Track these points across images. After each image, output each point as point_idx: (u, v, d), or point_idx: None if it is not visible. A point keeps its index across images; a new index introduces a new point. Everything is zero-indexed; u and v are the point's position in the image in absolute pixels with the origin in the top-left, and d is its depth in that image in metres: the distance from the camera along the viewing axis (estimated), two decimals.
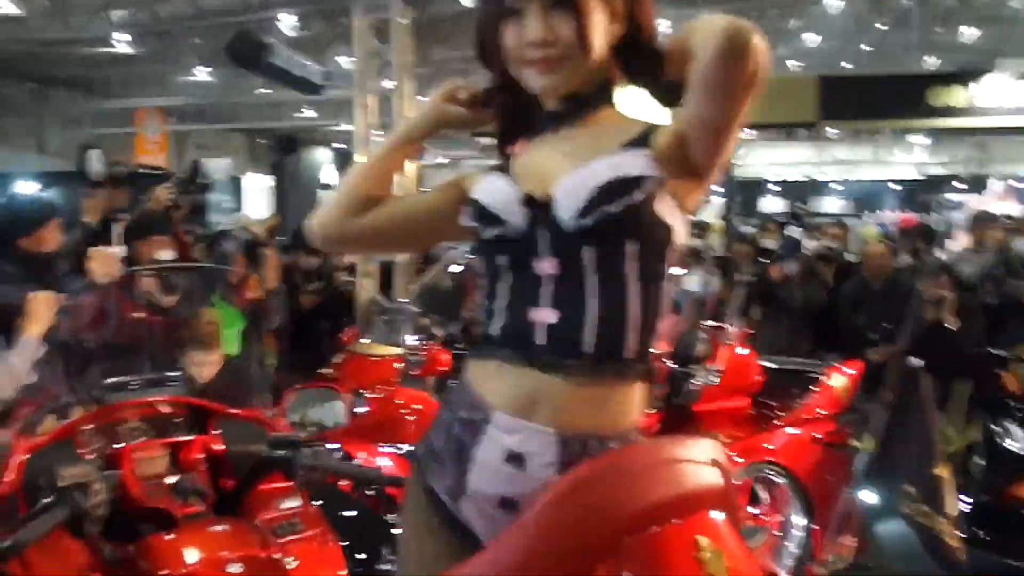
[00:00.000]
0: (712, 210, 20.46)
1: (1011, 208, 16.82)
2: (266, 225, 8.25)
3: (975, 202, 16.52)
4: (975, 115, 12.71)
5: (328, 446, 3.24)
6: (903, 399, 4.10)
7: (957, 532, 3.86)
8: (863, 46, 24.80)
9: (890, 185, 34.45)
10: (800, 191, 32.86)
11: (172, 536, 2.49)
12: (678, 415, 5.59)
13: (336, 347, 7.06)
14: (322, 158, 30.99)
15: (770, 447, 5.63)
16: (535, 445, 1.87)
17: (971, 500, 5.20)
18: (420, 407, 5.49)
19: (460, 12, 20.13)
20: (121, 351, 3.92)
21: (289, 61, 13.12)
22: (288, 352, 5.93)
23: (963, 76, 13.58)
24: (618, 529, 1.77)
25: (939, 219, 22.08)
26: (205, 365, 4.07)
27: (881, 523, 4.17)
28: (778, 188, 31.94)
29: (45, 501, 2.34)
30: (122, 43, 21.58)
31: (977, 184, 27.03)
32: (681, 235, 1.93)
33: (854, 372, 6.11)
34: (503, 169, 2.04)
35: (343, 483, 3.90)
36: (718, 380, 5.80)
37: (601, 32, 1.92)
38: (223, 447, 2.85)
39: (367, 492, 4.00)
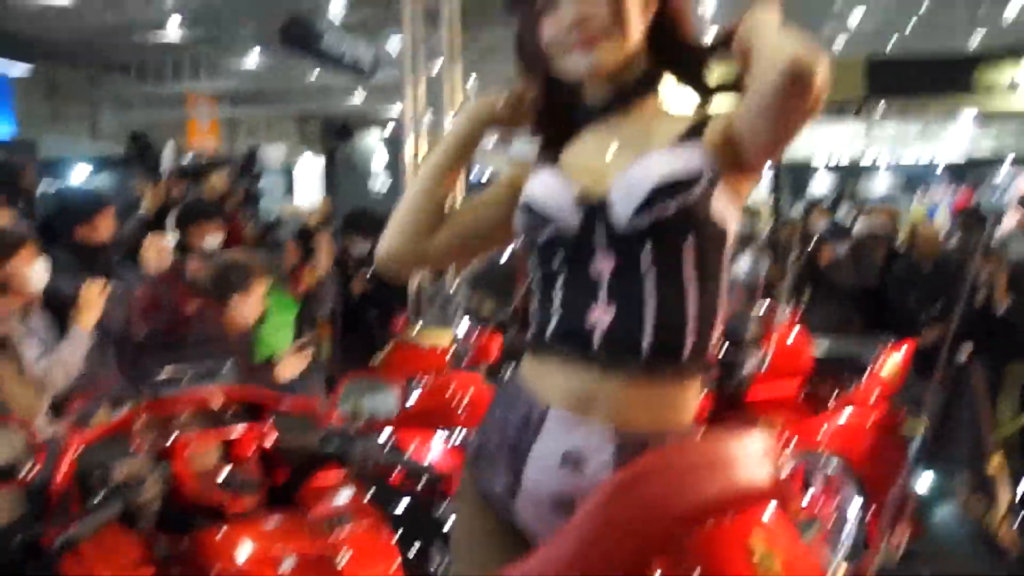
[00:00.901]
0: (760, 192, 20.32)
1: None
2: (318, 212, 8.30)
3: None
4: None
5: (381, 434, 3.25)
6: (956, 387, 4.05)
7: (1011, 526, 3.81)
8: (909, 24, 24.54)
9: (939, 165, 34.03)
10: (848, 173, 32.57)
11: (225, 531, 2.51)
12: (729, 399, 5.55)
13: (387, 335, 7.08)
14: (373, 142, 31.08)
15: (823, 432, 5.58)
16: (592, 443, 1.87)
17: None
18: (474, 390, 5.49)
19: None
20: (175, 341, 3.97)
21: (341, 45, 13.18)
22: (340, 340, 5.95)
23: (1012, 55, 13.37)
24: (672, 525, 1.78)
25: (990, 198, 21.78)
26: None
27: (937, 510, 4.13)
28: (826, 170, 31.62)
29: (99, 496, 2.36)
30: (174, 28, 21.78)
31: None
32: (736, 227, 1.92)
33: (905, 354, 6.04)
34: (553, 162, 2.02)
35: (395, 475, 3.93)
36: (768, 363, 5.75)
37: (636, 9, 1.91)
38: (275, 440, 2.87)
39: (419, 486, 4.02)
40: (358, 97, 28.41)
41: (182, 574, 2.55)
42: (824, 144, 33.71)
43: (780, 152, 1.82)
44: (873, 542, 5.26)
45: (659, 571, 1.76)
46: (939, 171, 32.71)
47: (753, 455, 1.91)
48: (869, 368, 5.90)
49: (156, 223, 5.60)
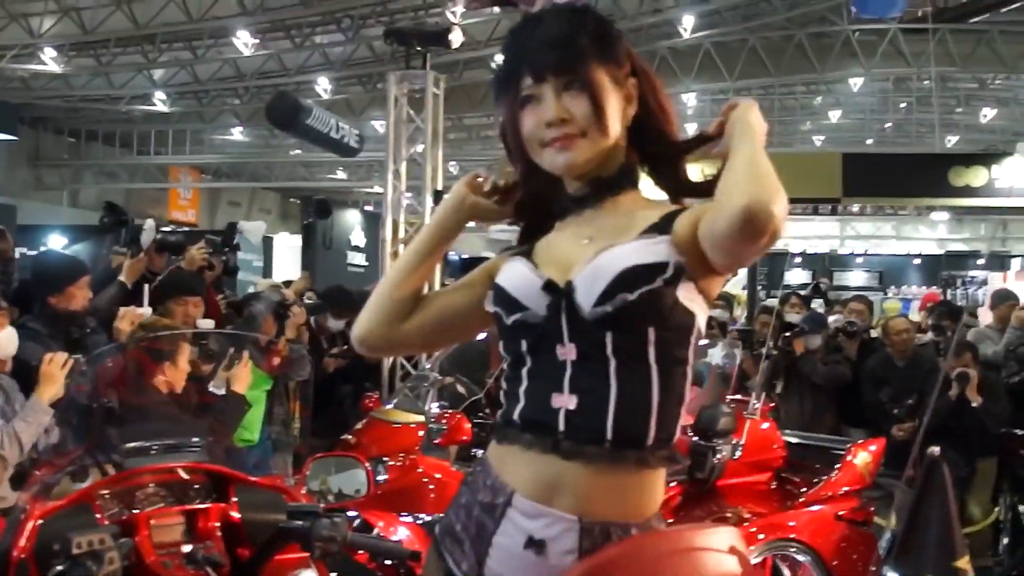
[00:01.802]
0: (736, 281, 20.47)
1: None
2: (296, 287, 8.30)
3: (998, 280, 16.44)
4: (996, 195, 12.76)
5: (347, 514, 3.22)
6: (924, 486, 4.06)
7: None
8: (886, 124, 25.06)
9: (913, 260, 34.47)
10: (824, 264, 32.87)
11: None
12: (700, 489, 5.54)
13: (359, 412, 7.06)
14: (352, 220, 31.20)
15: (793, 524, 5.57)
16: (556, 532, 1.86)
17: None
18: (441, 477, 5.47)
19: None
20: (143, 414, 3.93)
21: (326, 124, 13.30)
22: (311, 416, 5.94)
23: (985, 157, 13.70)
24: None
25: (962, 295, 21.99)
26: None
27: None
28: (802, 260, 31.91)
29: (58, 568, 2.32)
30: (160, 101, 21.95)
31: (998, 262, 27.03)
32: (703, 320, 1.93)
33: (877, 449, 6.06)
34: (527, 255, 2.04)
35: (361, 554, 3.89)
36: (740, 454, 5.75)
37: (615, 110, 1.94)
38: (240, 515, 2.84)
39: (386, 564, 3.98)
40: (339, 174, 28.62)
41: None
42: (801, 237, 34.13)
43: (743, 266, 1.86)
44: None
45: None
46: (915, 263, 33.02)
47: (719, 549, 1.90)
48: (840, 462, 5.91)
49: (133, 295, 5.58)
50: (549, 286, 1.93)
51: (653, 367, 1.87)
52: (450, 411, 5.88)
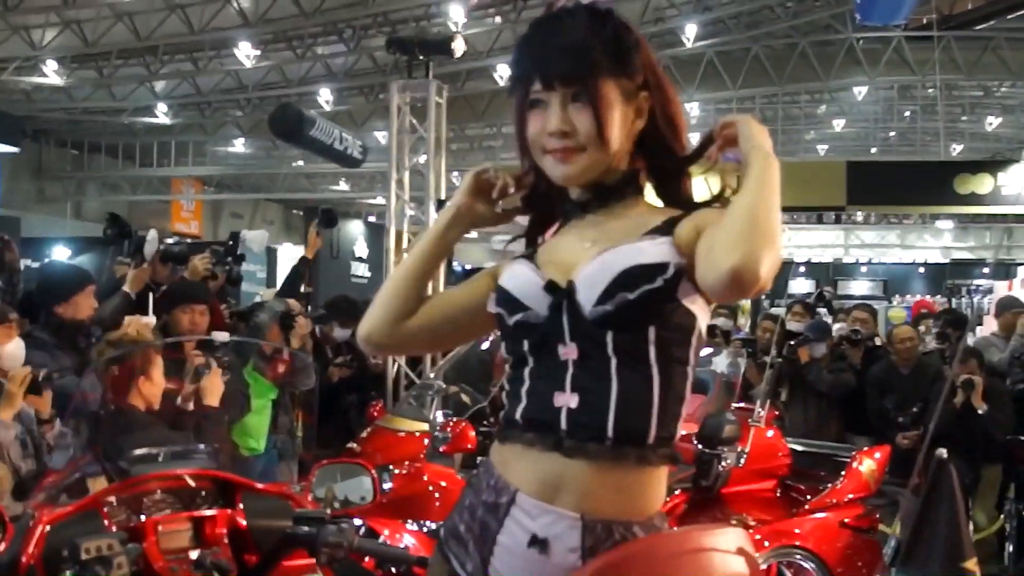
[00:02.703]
0: None
1: None
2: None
3: (1003, 288, 16.43)
4: (1001, 203, 12.72)
5: (353, 522, 3.22)
6: (932, 489, 4.06)
7: None
8: (891, 133, 25.05)
9: (918, 269, 34.43)
10: (829, 273, 32.88)
11: None
12: (705, 497, 5.54)
13: (364, 421, 7.05)
14: (355, 231, 31.25)
15: (798, 531, 5.57)
16: (559, 530, 1.87)
17: None
18: (446, 484, 5.47)
19: (495, 90, 20.45)
20: (151, 422, 3.94)
21: (329, 134, 13.32)
22: (316, 425, 5.93)
23: (989, 165, 13.66)
24: None
25: (967, 304, 21.99)
26: None
27: None
28: (807, 269, 31.96)
29: (67, 574, 2.33)
30: (163, 113, 21.99)
31: (1003, 270, 27.01)
32: (704, 322, 1.95)
33: (882, 456, 6.06)
34: (529, 257, 2.06)
35: (367, 560, 3.88)
36: (745, 461, 5.75)
37: (619, 126, 1.94)
38: (247, 521, 2.85)
39: (392, 571, 3.98)
40: (342, 185, 28.65)
41: None
42: (805, 246, 34.11)
43: None
44: None
45: None
46: (919, 272, 33.02)
47: (726, 550, 1.91)
48: (845, 469, 5.91)
49: (137, 304, 5.59)
50: (551, 286, 1.94)
51: (654, 366, 1.88)
52: (455, 419, 5.87)
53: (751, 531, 5.30)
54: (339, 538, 2.69)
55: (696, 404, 6.21)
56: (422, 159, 9.92)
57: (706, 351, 7.43)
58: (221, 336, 4.96)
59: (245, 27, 17.74)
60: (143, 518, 2.76)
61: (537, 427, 1.92)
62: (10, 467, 3.87)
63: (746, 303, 17.05)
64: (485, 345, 6.19)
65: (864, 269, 35.48)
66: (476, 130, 24.10)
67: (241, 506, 2.90)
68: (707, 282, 1.79)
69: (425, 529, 5.19)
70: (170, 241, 6.68)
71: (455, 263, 12.27)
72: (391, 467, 5.57)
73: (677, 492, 5.42)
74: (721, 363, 7.47)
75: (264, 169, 27.54)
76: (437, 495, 5.45)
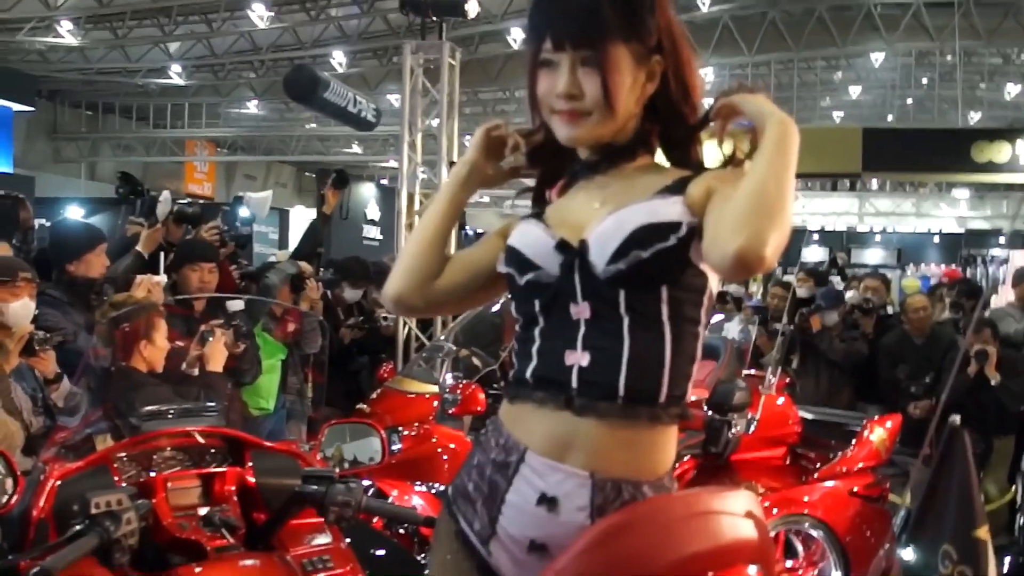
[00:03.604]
0: None
1: None
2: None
3: (1020, 258, 16.34)
4: (1019, 172, 12.61)
5: (361, 482, 3.24)
6: (944, 457, 4.04)
7: None
8: (908, 100, 24.85)
9: (933, 238, 34.21)
10: (842, 241, 32.71)
11: (201, 569, 2.48)
12: (714, 463, 5.54)
13: (374, 382, 7.07)
14: (367, 193, 31.23)
15: (807, 499, 5.57)
16: (568, 488, 1.87)
17: (1014, 558, 5.10)
18: (455, 447, 5.49)
19: (508, 54, 20.37)
20: (162, 379, 3.95)
21: (344, 97, 13.26)
22: (326, 386, 5.95)
23: (1008, 133, 13.50)
24: None
25: (983, 273, 21.87)
26: None
27: None
28: (820, 237, 31.85)
29: (76, 528, 2.33)
30: (177, 75, 21.96)
31: (1020, 239, 26.86)
32: (716, 283, 1.94)
33: (893, 426, 6.04)
34: (539, 216, 2.05)
35: (376, 520, 3.89)
36: (755, 428, 5.74)
37: (627, 92, 1.93)
38: (256, 480, 2.86)
39: (400, 531, 3.99)
40: (355, 148, 28.62)
41: None
42: (819, 214, 33.95)
43: None
44: None
45: None
46: (934, 241, 32.82)
47: (736, 512, 1.91)
48: (856, 438, 5.90)
49: (149, 264, 5.59)
50: (562, 245, 1.94)
51: (666, 325, 1.88)
52: (464, 381, 5.88)
53: (760, 498, 5.30)
54: (347, 497, 2.69)
55: (707, 370, 6.20)
56: (435, 122, 9.89)
57: (717, 317, 7.42)
58: (235, 304, 4.96)
59: None
60: (153, 474, 2.77)
61: (548, 386, 1.92)
62: (22, 423, 3.88)
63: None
64: (496, 308, 6.18)
65: (878, 238, 35.30)
66: (489, 93, 24.03)
67: (250, 464, 2.90)
68: (711, 261, 1.79)
69: (433, 490, 5.20)
70: (183, 202, 6.65)
71: (467, 227, 12.24)
72: (400, 428, 5.58)
73: (687, 458, 5.43)
74: (732, 329, 7.45)
75: (277, 131, 27.53)
76: (446, 457, 5.47)
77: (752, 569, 1.87)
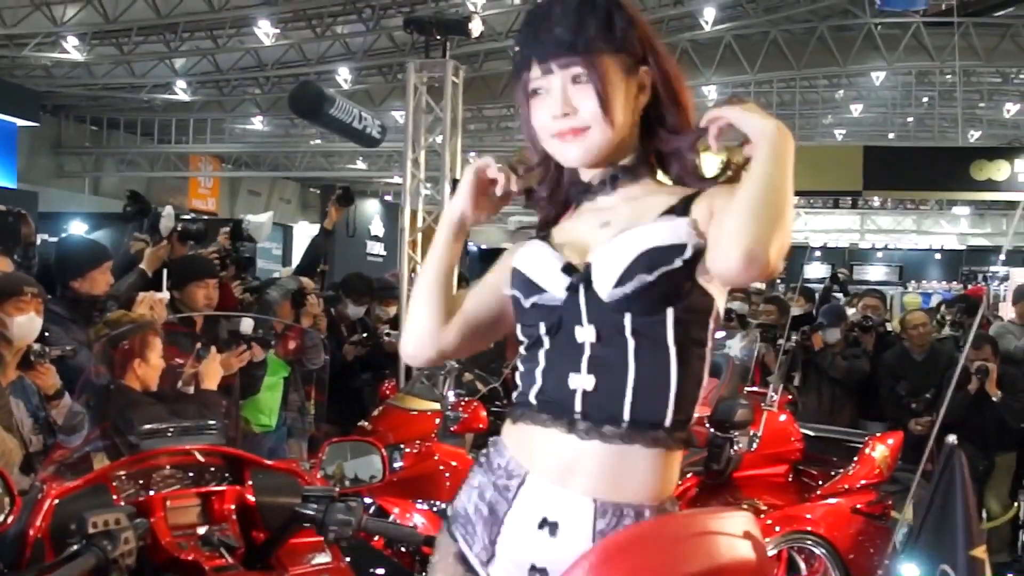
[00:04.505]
0: None
1: None
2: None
3: (1020, 275, 16.31)
4: (1018, 190, 12.63)
5: (362, 500, 3.24)
6: (942, 476, 4.04)
7: None
8: (908, 119, 24.89)
9: (934, 255, 34.23)
10: (844, 258, 32.73)
11: None
12: (716, 481, 5.53)
13: (376, 400, 7.06)
14: (371, 209, 31.24)
15: (809, 517, 5.56)
16: (570, 512, 1.86)
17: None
18: (456, 464, 5.48)
19: (512, 72, 20.40)
20: (161, 397, 3.94)
21: (349, 113, 13.27)
22: (328, 403, 5.96)
23: (1007, 151, 13.55)
24: None
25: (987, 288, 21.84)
26: None
27: None
28: (822, 254, 31.85)
29: (73, 548, 2.33)
30: (182, 90, 22.02)
31: (1020, 257, 26.86)
32: (722, 303, 1.93)
33: (895, 442, 6.04)
34: (544, 238, 2.05)
35: (376, 539, 3.88)
36: (757, 446, 5.74)
37: (622, 102, 1.93)
38: (256, 498, 2.85)
39: (400, 549, 3.98)
40: (359, 164, 28.67)
41: None
42: (821, 231, 33.97)
43: None
44: None
45: None
46: (935, 258, 32.82)
47: (734, 533, 1.90)
48: (858, 455, 5.89)
49: (153, 282, 5.59)
50: (568, 268, 1.93)
51: (671, 348, 1.86)
52: (466, 399, 5.88)
53: (762, 516, 5.29)
54: (348, 516, 2.69)
55: (709, 388, 6.19)
56: (438, 139, 9.91)
57: (719, 335, 7.41)
58: (246, 325, 4.97)
59: (265, 5, 17.76)
60: (151, 493, 2.76)
61: (551, 409, 1.91)
62: (21, 441, 3.88)
63: (761, 285, 16.98)
64: None
65: (880, 254, 35.34)
66: (493, 111, 24.06)
67: (250, 482, 2.90)
68: (717, 269, 1.78)
69: (435, 508, 5.19)
70: (186, 218, 6.65)
71: (471, 244, 12.24)
72: (402, 446, 5.58)
73: (689, 476, 5.42)
74: (735, 347, 7.45)
75: (282, 147, 27.57)
76: (447, 475, 5.46)
77: None
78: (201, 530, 2.69)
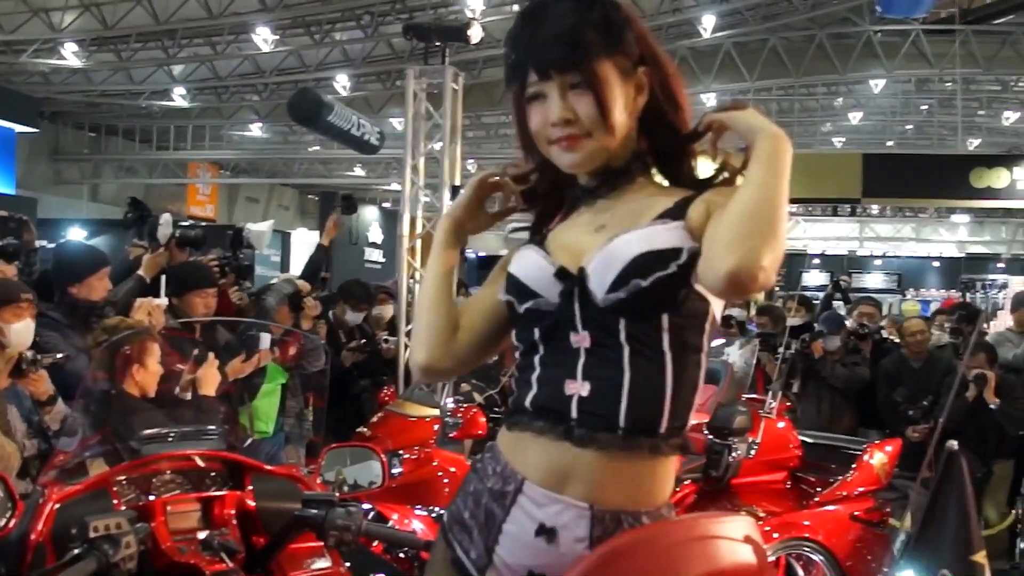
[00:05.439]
0: None
1: None
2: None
3: (1019, 283, 16.31)
4: (1017, 198, 12.64)
5: (361, 506, 3.24)
6: (942, 481, 4.04)
7: None
8: (907, 127, 24.94)
9: (933, 263, 34.28)
10: (843, 265, 32.78)
11: None
12: (715, 488, 5.53)
13: (375, 405, 7.07)
14: (370, 216, 31.29)
15: (807, 524, 5.55)
16: (567, 519, 1.86)
17: None
18: (455, 470, 5.48)
19: None
20: (161, 402, 3.94)
21: (348, 120, 13.29)
22: (327, 409, 5.98)
23: (1006, 159, 13.56)
24: None
25: (982, 298, 21.89)
26: None
27: None
28: (821, 262, 31.88)
29: (74, 552, 2.33)
30: (180, 97, 22.03)
31: (1019, 265, 26.93)
32: (719, 307, 1.92)
33: (893, 450, 6.05)
34: (539, 243, 2.04)
35: (376, 545, 3.89)
36: (756, 452, 5.74)
37: (621, 106, 1.92)
38: (256, 503, 2.85)
39: (400, 555, 3.98)
40: (358, 171, 28.68)
41: None
42: (820, 238, 33.99)
43: None
44: None
45: None
46: (934, 266, 32.88)
47: (734, 538, 1.90)
48: (856, 462, 5.90)
49: (151, 288, 5.60)
50: (562, 273, 1.92)
51: (667, 354, 1.86)
52: (465, 405, 5.88)
53: (760, 523, 5.29)
54: (347, 521, 2.69)
55: (707, 394, 6.20)
56: (437, 146, 9.92)
57: (718, 341, 7.42)
58: (265, 340, 4.97)
59: (263, 12, 17.77)
60: (152, 498, 2.76)
61: (547, 415, 1.90)
62: (18, 446, 3.88)
63: (759, 294, 17.02)
64: None
65: (879, 262, 35.38)
66: (492, 117, 24.07)
67: (250, 488, 2.90)
68: (706, 283, 1.78)
69: (434, 514, 5.19)
70: (185, 224, 6.66)
71: (469, 251, 12.24)
72: (401, 452, 5.59)
73: (687, 482, 5.42)
74: (733, 353, 7.45)
75: (280, 154, 27.58)
76: (446, 481, 5.47)
77: None
78: (201, 535, 2.69)
